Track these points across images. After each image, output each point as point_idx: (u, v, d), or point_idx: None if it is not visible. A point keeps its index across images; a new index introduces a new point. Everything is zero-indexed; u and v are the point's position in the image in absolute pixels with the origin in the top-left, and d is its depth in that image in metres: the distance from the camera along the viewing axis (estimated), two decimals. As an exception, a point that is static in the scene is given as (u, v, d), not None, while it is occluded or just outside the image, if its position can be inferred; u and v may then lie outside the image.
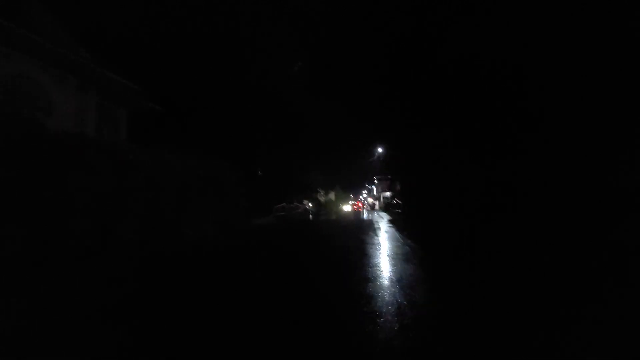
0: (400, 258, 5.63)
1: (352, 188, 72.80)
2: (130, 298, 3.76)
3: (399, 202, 17.24)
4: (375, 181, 52.37)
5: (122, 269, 5.46)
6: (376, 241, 7.88)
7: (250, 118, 20.79)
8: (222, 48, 18.36)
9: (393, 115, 13.88)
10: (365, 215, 21.48)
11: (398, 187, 25.08)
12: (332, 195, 55.57)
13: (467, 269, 4.74)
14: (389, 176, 35.30)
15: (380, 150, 34.70)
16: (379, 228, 11.14)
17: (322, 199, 48.81)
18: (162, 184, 8.47)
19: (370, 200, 52.91)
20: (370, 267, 4.90)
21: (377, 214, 22.53)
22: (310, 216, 21.61)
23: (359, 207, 49.76)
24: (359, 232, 9.95)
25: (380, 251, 6.37)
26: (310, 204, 32.85)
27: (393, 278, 4.27)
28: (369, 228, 11.23)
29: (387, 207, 23.23)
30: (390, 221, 13.75)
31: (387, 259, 5.57)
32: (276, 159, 25.39)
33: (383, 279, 4.23)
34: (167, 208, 8.50)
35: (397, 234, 9.25)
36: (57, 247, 5.50)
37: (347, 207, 37.67)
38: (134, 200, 7.30)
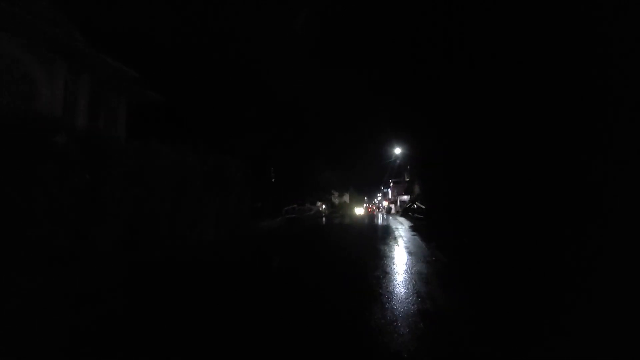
0: (436, 282, 4.36)
1: (367, 191, 71.26)
2: (94, 325, 2.70)
3: (421, 206, 15.85)
4: (391, 184, 50.72)
5: (88, 285, 4.42)
6: (400, 254, 6.62)
7: (264, 114, 19.82)
8: (231, 41, 17.42)
9: (416, 111, 12.54)
10: (381, 220, 20.09)
11: (417, 190, 23.60)
12: (346, 198, 54.25)
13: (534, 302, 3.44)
14: (407, 179, 33.79)
15: (397, 151, 33.29)
16: (401, 236, 9.84)
17: (336, 200, 47.55)
18: (155, 181, 7.45)
19: (385, 203, 51.28)
20: (398, 298, 3.66)
21: (394, 218, 21.11)
22: (323, 219, 20.43)
23: (374, 210, 48.26)
24: (378, 242, 8.69)
25: (407, 270, 5.11)
26: (323, 206, 31.68)
27: (433, 316, 3.03)
28: (389, 236, 9.94)
29: (405, 212, 21.78)
30: (412, 228, 12.39)
31: (418, 282, 4.31)
32: (290, 157, 24.33)
33: (418, 320, 2.98)
34: (160, 208, 7.48)
35: (423, 245, 7.94)
36: (8, 258, 4.48)
37: (360, 210, 36.24)
38: (116, 198, 6.28)
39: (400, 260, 5.97)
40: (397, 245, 7.98)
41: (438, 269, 5.33)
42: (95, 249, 5.74)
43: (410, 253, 6.70)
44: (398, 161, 37.72)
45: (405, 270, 5.09)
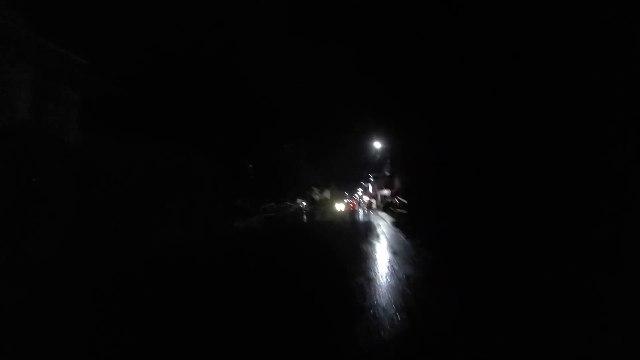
0: (427, 289, 3.82)
1: (348, 186, 71.11)
2: None
3: (403, 201, 15.45)
4: (372, 179, 50.57)
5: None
6: (384, 255, 6.09)
7: (239, 108, 18.86)
8: (204, 30, 16.36)
9: (401, 101, 12.06)
10: (362, 216, 19.71)
11: (397, 184, 23.36)
12: (327, 194, 53.81)
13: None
14: (387, 173, 33.62)
15: (377, 146, 33.05)
16: (383, 233, 9.36)
17: (316, 197, 46.96)
18: (108, 180, 6.58)
19: (366, 198, 51.20)
20: (386, 313, 3.07)
21: (376, 214, 20.74)
22: (304, 216, 19.79)
23: (355, 206, 48.08)
24: (360, 240, 8.15)
25: (392, 274, 4.55)
26: (304, 203, 31.03)
27: (429, 336, 2.46)
28: (371, 233, 9.44)
29: (386, 207, 21.45)
30: (395, 224, 11.96)
31: (407, 289, 3.75)
32: (270, 154, 23.48)
33: (412, 342, 2.41)
34: (113, 210, 6.61)
35: (407, 243, 7.46)
36: None
37: (341, 206, 35.82)
38: (59, 200, 5.40)
39: (385, 261, 5.42)
40: (380, 243, 7.46)
41: (427, 271, 4.82)
42: (29, 258, 4.87)
43: (394, 253, 6.17)
44: (378, 156, 37.53)
45: (391, 274, 4.53)
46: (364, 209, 32.23)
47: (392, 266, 5.03)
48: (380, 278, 4.34)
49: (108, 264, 5.59)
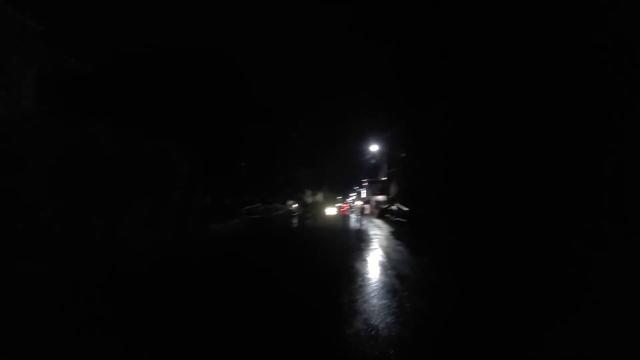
0: (457, 343, 2.51)
1: (341, 190, 69.92)
2: None
3: (402, 208, 14.19)
4: (365, 183, 49.37)
5: None
6: (386, 281, 4.77)
7: (232, 103, 17.46)
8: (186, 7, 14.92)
9: (399, 103, 10.84)
10: (355, 222, 18.35)
11: (394, 190, 22.18)
12: (319, 197, 52.45)
13: None
14: (383, 178, 32.53)
15: (373, 149, 32.03)
16: (382, 247, 8.05)
17: (309, 199, 45.51)
18: (25, 168, 5.18)
19: (359, 203, 49.99)
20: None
21: (370, 221, 19.38)
22: (294, 220, 18.42)
23: (347, 210, 46.80)
24: (355, 257, 6.87)
25: (401, 319, 3.24)
26: (295, 205, 29.59)
27: None
28: (368, 247, 8.12)
29: (382, 214, 20.14)
30: (394, 235, 10.62)
31: (427, 349, 2.45)
32: (262, 153, 22.06)
33: None
34: (45, 207, 5.21)
35: (413, 262, 6.15)
36: None
37: (333, 211, 34.40)
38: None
39: (389, 293, 4.10)
40: (380, 261, 6.15)
41: (446, 309, 3.52)
42: None
43: (400, 277, 4.86)
44: (374, 160, 36.44)
45: (400, 318, 3.21)
46: (357, 215, 30.95)
47: (399, 300, 3.72)
48: (387, 326, 3.02)
49: (30, 272, 4.23)
